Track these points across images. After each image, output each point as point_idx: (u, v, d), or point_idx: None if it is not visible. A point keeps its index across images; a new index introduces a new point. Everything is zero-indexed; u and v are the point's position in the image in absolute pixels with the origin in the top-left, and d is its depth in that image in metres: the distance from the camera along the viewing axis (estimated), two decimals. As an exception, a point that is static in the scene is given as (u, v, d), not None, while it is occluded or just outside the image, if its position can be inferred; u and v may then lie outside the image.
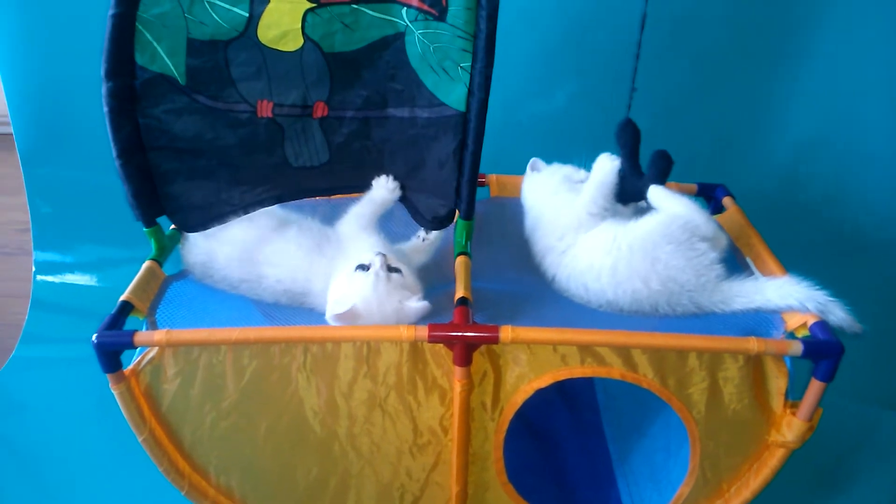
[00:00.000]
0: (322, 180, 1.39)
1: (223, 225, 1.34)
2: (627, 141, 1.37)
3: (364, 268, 1.23)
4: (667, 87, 2.06)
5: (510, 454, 1.28)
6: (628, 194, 1.39)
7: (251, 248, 1.32)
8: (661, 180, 1.35)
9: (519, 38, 1.95)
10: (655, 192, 1.33)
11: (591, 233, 1.35)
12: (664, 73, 2.04)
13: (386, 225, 1.45)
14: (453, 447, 1.25)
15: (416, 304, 1.22)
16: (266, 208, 1.36)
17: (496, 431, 1.25)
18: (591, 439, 1.71)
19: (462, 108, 1.25)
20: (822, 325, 1.16)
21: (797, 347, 1.13)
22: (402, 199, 1.40)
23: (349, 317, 1.18)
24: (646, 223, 1.29)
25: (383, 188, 1.37)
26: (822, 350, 1.14)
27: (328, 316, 1.19)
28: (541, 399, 1.23)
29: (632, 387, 1.20)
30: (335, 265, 1.29)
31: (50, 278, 2.27)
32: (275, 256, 1.31)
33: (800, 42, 1.98)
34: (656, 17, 1.96)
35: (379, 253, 1.24)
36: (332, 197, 1.54)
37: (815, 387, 1.17)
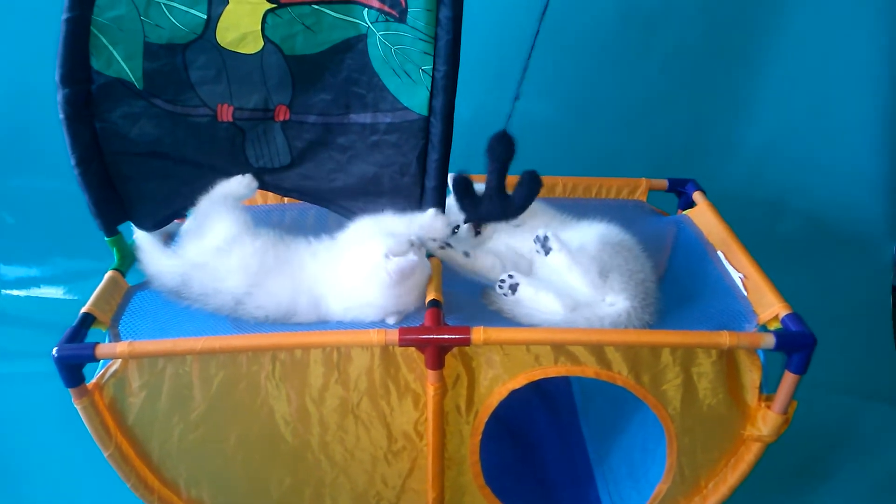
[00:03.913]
0: (282, 181, 1.36)
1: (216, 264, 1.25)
2: (500, 155, 1.30)
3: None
4: (639, 85, 2.07)
5: (487, 457, 1.26)
6: (490, 214, 1.33)
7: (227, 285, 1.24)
8: (527, 203, 1.27)
9: (491, 36, 1.94)
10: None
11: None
12: (636, 71, 2.05)
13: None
14: (429, 452, 1.23)
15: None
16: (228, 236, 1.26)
17: (472, 434, 1.23)
18: (569, 440, 1.70)
19: (424, 111, 1.23)
20: (795, 317, 1.17)
21: (769, 340, 1.13)
22: (362, 211, 1.35)
23: (407, 267, 1.16)
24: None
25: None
26: (795, 342, 1.14)
27: (386, 261, 1.16)
28: (518, 401, 1.22)
29: (609, 386, 1.19)
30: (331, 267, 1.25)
31: (15, 292, 2.22)
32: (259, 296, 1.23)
33: (767, 40, 2.01)
34: (628, 16, 1.98)
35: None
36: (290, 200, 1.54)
37: (788, 379, 1.17)
